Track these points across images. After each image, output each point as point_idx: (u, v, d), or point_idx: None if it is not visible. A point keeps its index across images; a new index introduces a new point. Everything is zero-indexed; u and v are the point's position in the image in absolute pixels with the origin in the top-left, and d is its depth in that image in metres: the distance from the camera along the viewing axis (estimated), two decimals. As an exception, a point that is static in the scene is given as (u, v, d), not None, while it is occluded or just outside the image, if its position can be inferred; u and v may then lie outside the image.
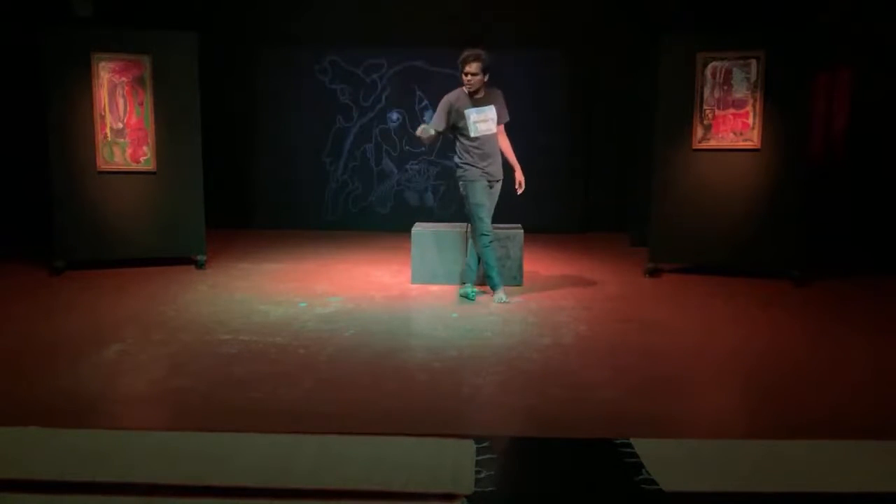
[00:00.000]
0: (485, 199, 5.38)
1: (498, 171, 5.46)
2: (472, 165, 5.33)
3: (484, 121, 5.29)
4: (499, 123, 5.42)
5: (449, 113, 5.29)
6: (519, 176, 5.50)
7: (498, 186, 5.52)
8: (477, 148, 5.32)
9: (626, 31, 8.60)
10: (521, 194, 5.53)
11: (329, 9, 8.91)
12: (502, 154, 5.51)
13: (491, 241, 5.47)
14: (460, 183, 5.45)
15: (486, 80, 5.27)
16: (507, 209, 8.62)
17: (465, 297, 5.58)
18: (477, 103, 5.29)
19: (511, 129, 8.94)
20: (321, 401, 3.66)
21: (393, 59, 8.92)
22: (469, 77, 5.18)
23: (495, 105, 5.34)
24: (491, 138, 5.36)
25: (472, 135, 5.28)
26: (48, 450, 2.92)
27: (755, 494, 2.66)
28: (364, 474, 2.73)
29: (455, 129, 5.35)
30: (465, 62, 5.16)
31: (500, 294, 5.50)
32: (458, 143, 5.39)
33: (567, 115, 9.04)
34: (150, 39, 6.34)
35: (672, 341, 4.68)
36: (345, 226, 9.13)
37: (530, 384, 3.86)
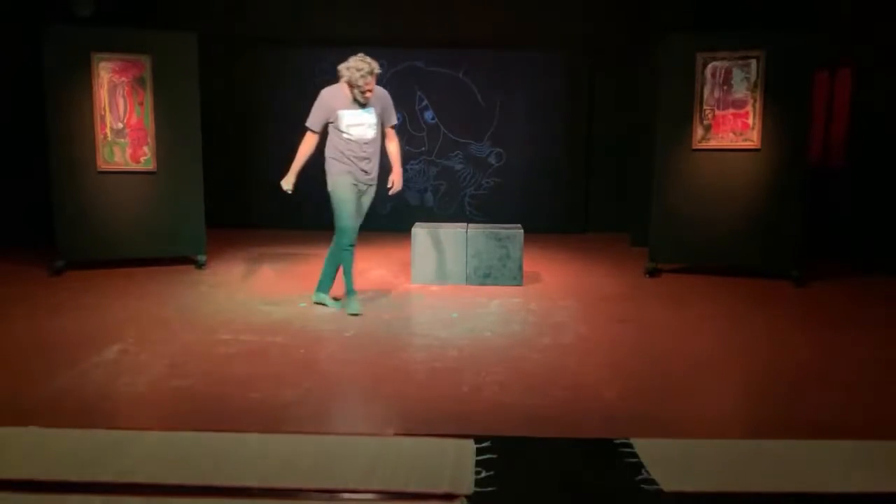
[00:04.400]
0: (350, 196, 5.05)
1: (369, 178, 5.14)
2: (340, 162, 5.04)
3: (359, 125, 5.01)
4: (388, 126, 5.19)
5: (323, 113, 5.03)
6: (394, 176, 5.22)
7: (370, 192, 5.20)
8: (349, 149, 5.03)
9: (626, 31, 8.61)
10: (393, 194, 5.30)
11: (329, 9, 8.92)
12: (389, 157, 5.28)
13: (351, 245, 5.12)
14: (328, 178, 5.11)
15: None
16: (507, 209, 8.74)
17: (323, 304, 5.37)
18: (355, 106, 5.01)
19: (511, 129, 9.04)
20: (321, 401, 3.66)
21: (393, 59, 8.92)
22: (368, 94, 4.95)
23: (376, 109, 5.06)
24: (370, 143, 5.07)
25: (345, 137, 5.02)
26: (48, 450, 2.92)
27: (755, 494, 2.66)
28: (364, 474, 2.73)
29: (328, 124, 5.07)
30: (372, 76, 4.90)
31: (355, 303, 5.20)
32: (330, 138, 5.12)
33: (567, 115, 9.05)
34: (150, 39, 6.34)
35: (672, 341, 4.68)
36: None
37: (530, 384, 3.86)
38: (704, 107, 6.24)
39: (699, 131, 6.27)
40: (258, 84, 9.07)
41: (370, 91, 4.95)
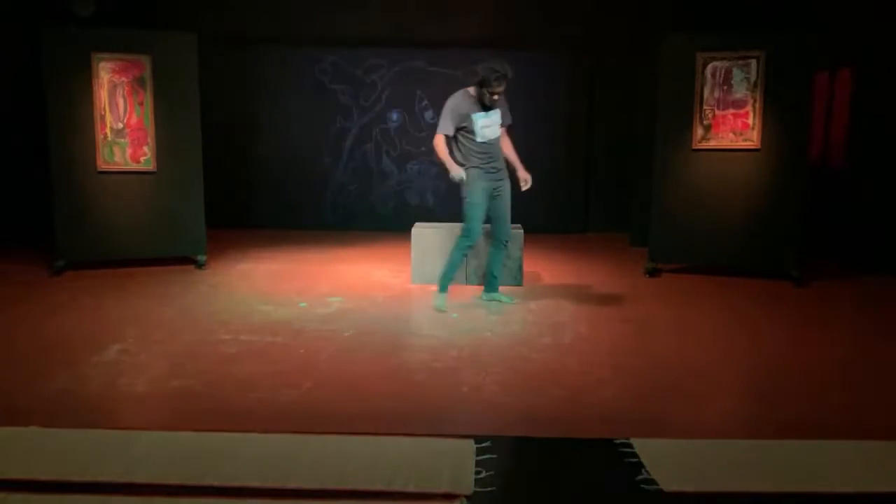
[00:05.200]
0: (482, 201, 5.25)
1: (501, 173, 5.34)
2: (475, 167, 5.22)
3: (489, 126, 5.19)
4: (502, 126, 5.34)
5: (455, 118, 5.18)
6: (522, 174, 5.39)
7: (504, 187, 5.36)
8: (481, 151, 5.21)
9: (626, 31, 8.61)
10: (525, 190, 5.42)
11: (330, 9, 8.92)
12: (505, 157, 5.43)
13: (469, 247, 5.39)
14: (464, 186, 5.26)
15: None
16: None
17: (499, 301, 5.53)
18: (483, 108, 5.18)
19: (511, 129, 9.02)
20: (321, 401, 3.66)
21: (393, 59, 8.92)
22: (497, 97, 5.12)
23: (500, 109, 5.26)
24: (495, 142, 5.27)
25: (479, 140, 5.18)
26: (48, 450, 2.92)
27: (755, 494, 2.66)
28: (364, 474, 2.73)
29: (458, 130, 5.24)
30: (506, 80, 5.05)
31: (441, 300, 5.38)
32: (460, 145, 5.25)
33: (567, 114, 9.04)
34: (150, 39, 6.34)
35: (672, 341, 4.68)
36: (345, 226, 9.14)
37: (530, 384, 3.86)
38: (704, 107, 6.24)
39: (699, 131, 6.27)
40: (258, 84, 9.07)
41: (499, 95, 5.10)
